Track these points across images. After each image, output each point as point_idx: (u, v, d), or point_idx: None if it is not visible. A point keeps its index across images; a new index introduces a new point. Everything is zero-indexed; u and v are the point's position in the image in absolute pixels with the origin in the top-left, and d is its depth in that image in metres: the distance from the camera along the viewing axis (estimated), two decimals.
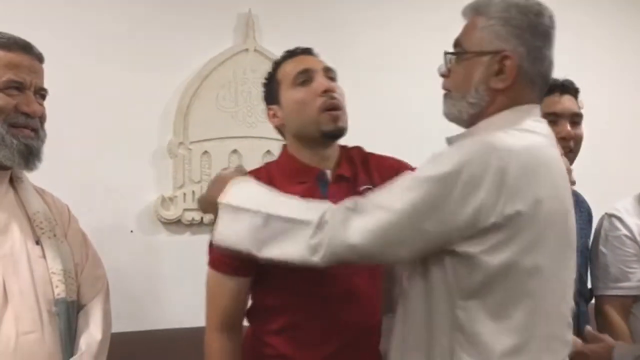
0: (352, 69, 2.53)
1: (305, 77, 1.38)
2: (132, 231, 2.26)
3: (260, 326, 1.37)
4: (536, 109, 1.18)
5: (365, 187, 1.43)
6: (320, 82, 1.37)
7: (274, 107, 1.43)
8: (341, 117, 1.37)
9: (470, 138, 1.11)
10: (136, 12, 2.36)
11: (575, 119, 1.70)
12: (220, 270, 1.33)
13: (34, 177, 2.12)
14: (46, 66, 2.21)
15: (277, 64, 1.45)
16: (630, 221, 1.67)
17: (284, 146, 1.47)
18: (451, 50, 1.21)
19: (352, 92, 2.47)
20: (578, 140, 1.69)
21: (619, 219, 1.69)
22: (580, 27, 2.87)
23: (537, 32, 1.12)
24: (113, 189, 2.25)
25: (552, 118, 1.64)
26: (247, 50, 2.43)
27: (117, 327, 2.12)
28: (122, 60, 2.32)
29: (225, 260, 1.31)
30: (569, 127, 1.67)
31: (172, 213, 2.26)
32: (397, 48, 2.59)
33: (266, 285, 1.34)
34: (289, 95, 1.39)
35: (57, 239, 1.50)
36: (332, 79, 1.42)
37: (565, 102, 1.70)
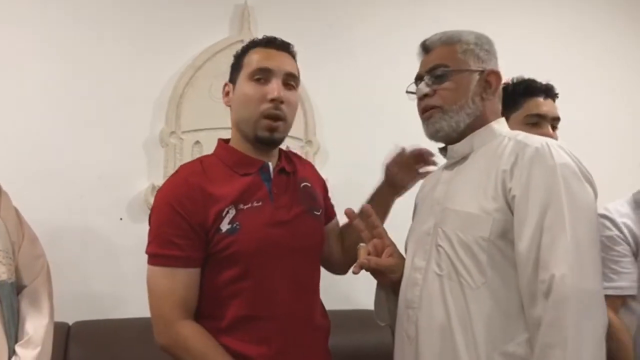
0: (345, 63, 2.55)
1: (261, 76, 1.36)
2: (121, 219, 2.27)
3: (210, 325, 1.32)
4: None
5: (304, 184, 1.47)
6: (272, 87, 1.35)
7: (230, 85, 1.44)
8: (279, 128, 1.37)
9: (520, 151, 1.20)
10: (132, 1, 2.36)
11: (555, 123, 1.73)
12: (170, 265, 1.29)
13: (24, 164, 2.12)
14: (40, 54, 2.22)
15: (251, 46, 1.43)
16: (620, 221, 1.68)
17: (220, 140, 1.47)
18: (420, 78, 1.35)
19: (344, 86, 2.52)
20: None
21: (610, 219, 1.69)
22: (571, 32, 2.91)
23: (496, 57, 1.36)
24: (104, 177, 2.25)
25: (536, 120, 1.68)
26: (242, 41, 2.40)
27: (105, 314, 2.15)
28: (117, 48, 2.32)
29: (174, 254, 1.29)
30: (551, 131, 1.69)
31: None
32: (391, 44, 2.60)
33: (215, 277, 1.33)
34: (242, 85, 1.38)
35: None
36: (291, 86, 1.40)
37: (549, 106, 1.72)
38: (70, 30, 2.27)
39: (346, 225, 1.55)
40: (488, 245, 1.17)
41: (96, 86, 2.28)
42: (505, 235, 1.16)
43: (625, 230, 1.66)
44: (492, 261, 1.16)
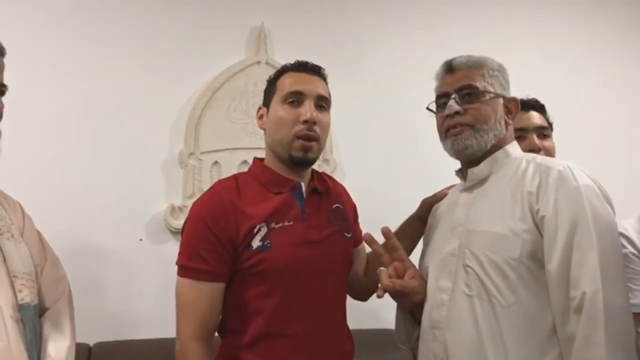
0: (360, 82, 2.57)
1: (294, 99, 1.40)
2: (141, 239, 2.29)
3: (233, 339, 1.35)
4: None
5: (336, 205, 1.48)
6: (305, 109, 1.39)
7: (264, 109, 1.47)
8: (312, 149, 1.40)
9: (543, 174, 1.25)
10: (149, 23, 2.40)
11: (542, 131, 1.76)
12: (196, 278, 1.32)
13: (43, 186, 2.15)
14: (60, 75, 2.27)
15: (283, 71, 1.47)
16: (637, 237, 1.66)
17: (256, 159, 1.50)
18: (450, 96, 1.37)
19: (360, 105, 2.53)
20: (548, 151, 1.73)
21: (626, 237, 1.68)
22: (572, 39, 2.90)
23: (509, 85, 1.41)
24: (123, 198, 2.28)
25: (520, 133, 1.71)
26: (259, 62, 2.46)
27: (125, 335, 2.16)
28: (136, 70, 2.36)
29: (201, 268, 1.32)
30: (536, 140, 1.73)
31: (181, 222, 2.24)
32: (406, 63, 2.61)
33: (242, 292, 1.35)
34: (276, 108, 1.41)
35: (15, 239, 1.42)
36: (323, 107, 1.44)
37: (530, 117, 1.77)
38: (90, 52, 2.32)
39: (371, 253, 1.56)
40: (518, 264, 1.20)
41: (115, 108, 2.32)
42: (534, 255, 1.20)
43: None
44: (522, 280, 1.20)
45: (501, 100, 1.36)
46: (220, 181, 1.47)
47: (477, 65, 1.36)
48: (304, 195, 1.42)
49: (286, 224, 1.36)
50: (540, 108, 1.79)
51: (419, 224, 1.55)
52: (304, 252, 1.36)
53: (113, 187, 2.27)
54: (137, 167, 2.31)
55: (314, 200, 1.43)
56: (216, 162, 2.39)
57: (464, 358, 1.22)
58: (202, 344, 1.32)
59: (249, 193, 1.38)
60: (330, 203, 1.47)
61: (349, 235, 1.49)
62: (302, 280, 1.34)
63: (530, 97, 1.78)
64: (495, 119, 1.33)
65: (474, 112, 1.33)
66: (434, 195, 1.55)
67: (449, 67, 1.39)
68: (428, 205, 1.55)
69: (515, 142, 1.40)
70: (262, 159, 1.49)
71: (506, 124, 1.36)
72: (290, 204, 1.39)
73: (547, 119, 1.79)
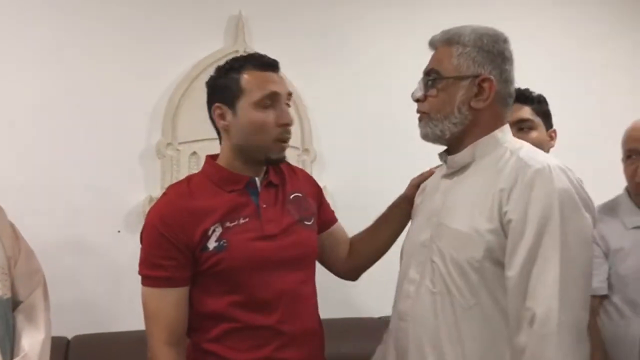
0: (339, 71, 2.56)
1: (271, 102, 1.36)
2: (119, 231, 2.27)
3: (200, 336, 1.37)
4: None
5: (294, 194, 1.47)
6: (283, 112, 1.37)
7: (225, 108, 1.38)
8: (286, 148, 1.42)
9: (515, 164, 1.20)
10: (126, 12, 2.36)
11: (522, 125, 1.65)
12: (158, 285, 1.33)
13: (20, 178, 2.12)
14: (34, 65, 2.23)
15: (240, 66, 1.38)
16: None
17: (209, 157, 1.47)
18: (421, 77, 1.32)
19: (339, 94, 2.52)
20: (535, 145, 1.61)
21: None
22: (566, 33, 2.92)
23: (505, 57, 1.27)
24: (101, 189, 2.25)
25: None
26: (237, 51, 2.42)
27: (105, 327, 2.14)
28: (112, 60, 2.32)
29: (161, 275, 1.32)
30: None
31: None
32: (385, 51, 2.61)
33: (204, 292, 1.35)
34: (251, 113, 1.36)
35: None
36: (289, 105, 1.42)
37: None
38: (65, 42, 2.28)
39: (361, 233, 1.59)
40: (480, 266, 1.16)
41: (92, 98, 2.28)
42: (497, 257, 1.16)
43: (597, 235, 1.71)
44: (484, 281, 1.16)
45: (465, 83, 1.24)
46: (172, 186, 1.46)
47: (448, 43, 1.28)
48: (259, 190, 1.41)
49: (241, 221, 1.36)
50: (524, 99, 1.67)
51: (406, 206, 1.54)
52: (261, 246, 1.35)
53: (91, 179, 2.24)
54: (115, 158, 2.28)
55: (269, 194, 1.42)
56: (194, 153, 2.37)
57: (423, 354, 1.21)
58: (172, 349, 1.33)
59: (202, 194, 1.37)
60: (287, 193, 1.46)
61: (309, 223, 1.47)
62: (265, 275, 1.35)
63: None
64: (453, 106, 1.25)
65: (432, 99, 1.27)
66: (421, 175, 1.53)
67: (430, 44, 1.33)
68: (416, 185, 1.53)
69: (506, 127, 1.30)
70: (214, 156, 1.46)
71: (471, 107, 1.24)
72: (244, 201, 1.38)
73: (535, 110, 1.68)
